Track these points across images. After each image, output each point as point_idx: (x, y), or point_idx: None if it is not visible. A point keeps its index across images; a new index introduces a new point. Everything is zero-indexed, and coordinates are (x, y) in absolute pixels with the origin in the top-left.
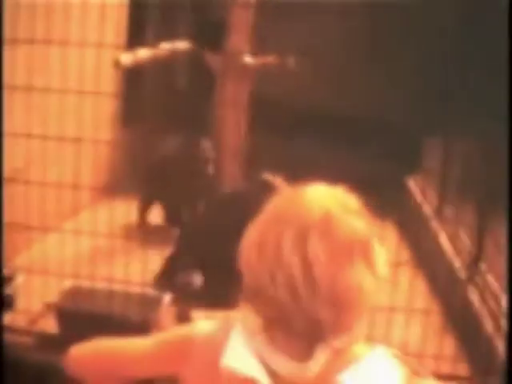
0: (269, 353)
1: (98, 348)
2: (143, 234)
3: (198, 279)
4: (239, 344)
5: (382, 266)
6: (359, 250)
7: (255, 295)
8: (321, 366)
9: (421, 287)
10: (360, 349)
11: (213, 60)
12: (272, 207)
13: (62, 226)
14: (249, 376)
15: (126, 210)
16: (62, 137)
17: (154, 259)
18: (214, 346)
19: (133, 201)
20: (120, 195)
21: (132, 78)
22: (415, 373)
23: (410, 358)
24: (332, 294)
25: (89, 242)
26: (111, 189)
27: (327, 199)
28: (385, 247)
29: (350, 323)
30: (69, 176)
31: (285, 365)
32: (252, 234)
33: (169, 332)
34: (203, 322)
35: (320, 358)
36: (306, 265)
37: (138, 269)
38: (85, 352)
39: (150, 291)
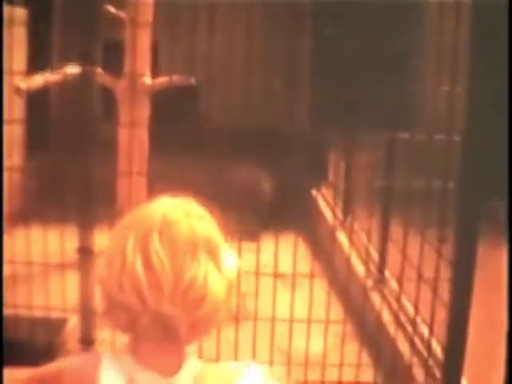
0: (137, 372)
1: None
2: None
3: None
4: (110, 370)
5: (229, 269)
6: (203, 247)
7: (109, 307)
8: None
9: (322, 296)
10: (232, 367)
11: (110, 82)
12: (119, 223)
13: None
14: None
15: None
16: None
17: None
18: (83, 379)
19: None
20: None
21: (35, 104)
22: None
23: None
24: (177, 289)
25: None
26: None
27: (168, 207)
28: (233, 254)
29: (203, 323)
30: None
31: (152, 382)
32: (104, 250)
33: (40, 368)
34: (71, 357)
35: (186, 373)
36: (148, 264)
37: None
38: None
39: (55, 314)
